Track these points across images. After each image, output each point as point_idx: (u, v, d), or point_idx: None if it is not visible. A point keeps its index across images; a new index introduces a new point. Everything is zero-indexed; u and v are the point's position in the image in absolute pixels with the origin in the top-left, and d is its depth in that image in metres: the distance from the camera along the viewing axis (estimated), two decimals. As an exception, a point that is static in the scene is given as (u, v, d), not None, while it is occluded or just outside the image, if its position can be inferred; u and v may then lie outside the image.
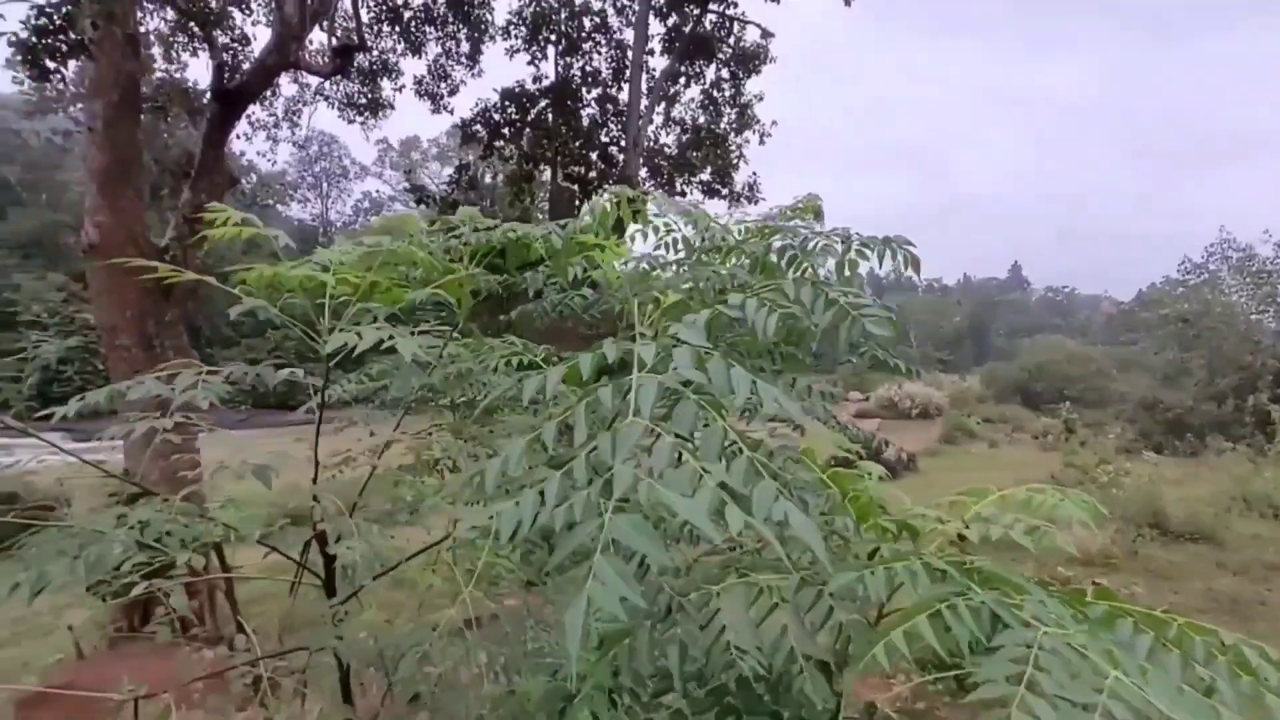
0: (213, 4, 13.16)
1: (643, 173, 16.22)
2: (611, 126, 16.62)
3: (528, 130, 15.87)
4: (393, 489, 1.81)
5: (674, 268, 1.91)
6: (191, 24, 13.11)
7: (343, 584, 1.44)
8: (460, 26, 14.37)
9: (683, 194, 16.23)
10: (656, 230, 1.95)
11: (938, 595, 0.92)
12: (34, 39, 7.64)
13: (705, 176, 15.89)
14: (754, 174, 16.48)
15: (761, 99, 17.80)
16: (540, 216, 19.28)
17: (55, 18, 7.64)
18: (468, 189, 15.96)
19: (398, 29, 13.92)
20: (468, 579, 1.37)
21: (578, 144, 15.18)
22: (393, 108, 15.62)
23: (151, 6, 13.96)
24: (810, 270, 1.78)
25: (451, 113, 15.47)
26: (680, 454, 0.68)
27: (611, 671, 0.99)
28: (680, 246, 2.19)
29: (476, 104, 15.61)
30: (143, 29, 13.11)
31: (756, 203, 16.05)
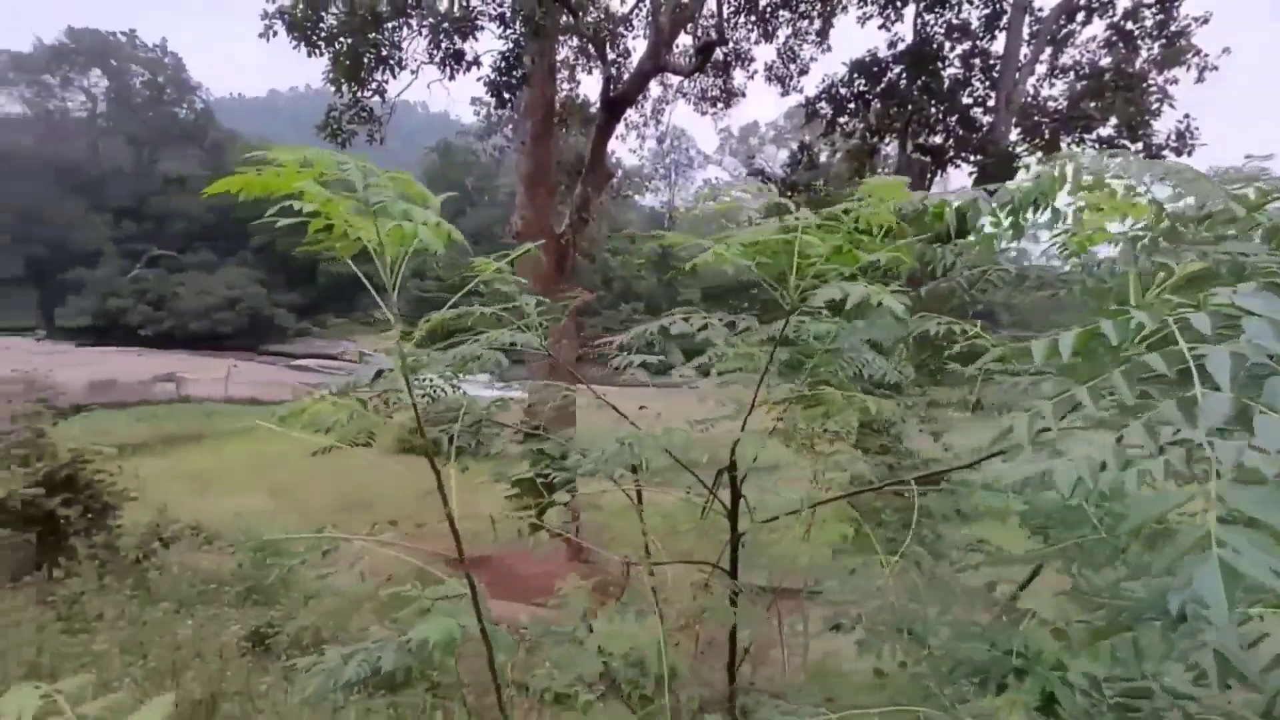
0: (604, 28, 15.61)
1: (1014, 134, 13.85)
2: (976, 85, 14.54)
3: (875, 101, 14.94)
4: (763, 450, 1.95)
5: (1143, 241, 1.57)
6: (590, 47, 15.80)
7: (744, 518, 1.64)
8: (814, 4, 14.20)
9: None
10: (1114, 194, 1.63)
11: None
12: (497, 77, 10.27)
13: (1107, 130, 12.72)
14: (1186, 118, 12.49)
15: (1207, 20, 13.38)
16: (878, 193, 18.07)
17: (510, 59, 10.13)
18: (808, 169, 15.88)
19: (753, 18, 14.45)
20: (858, 537, 1.41)
21: (934, 109, 13.70)
22: (743, 95, 16.43)
23: (561, 39, 17.17)
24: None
25: (801, 92, 15.53)
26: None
27: (1057, 669, 0.89)
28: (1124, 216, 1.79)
29: (823, 80, 15.33)
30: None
31: (1190, 154, 12.16)
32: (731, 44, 15.48)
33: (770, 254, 1.28)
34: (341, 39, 10.38)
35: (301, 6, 9.45)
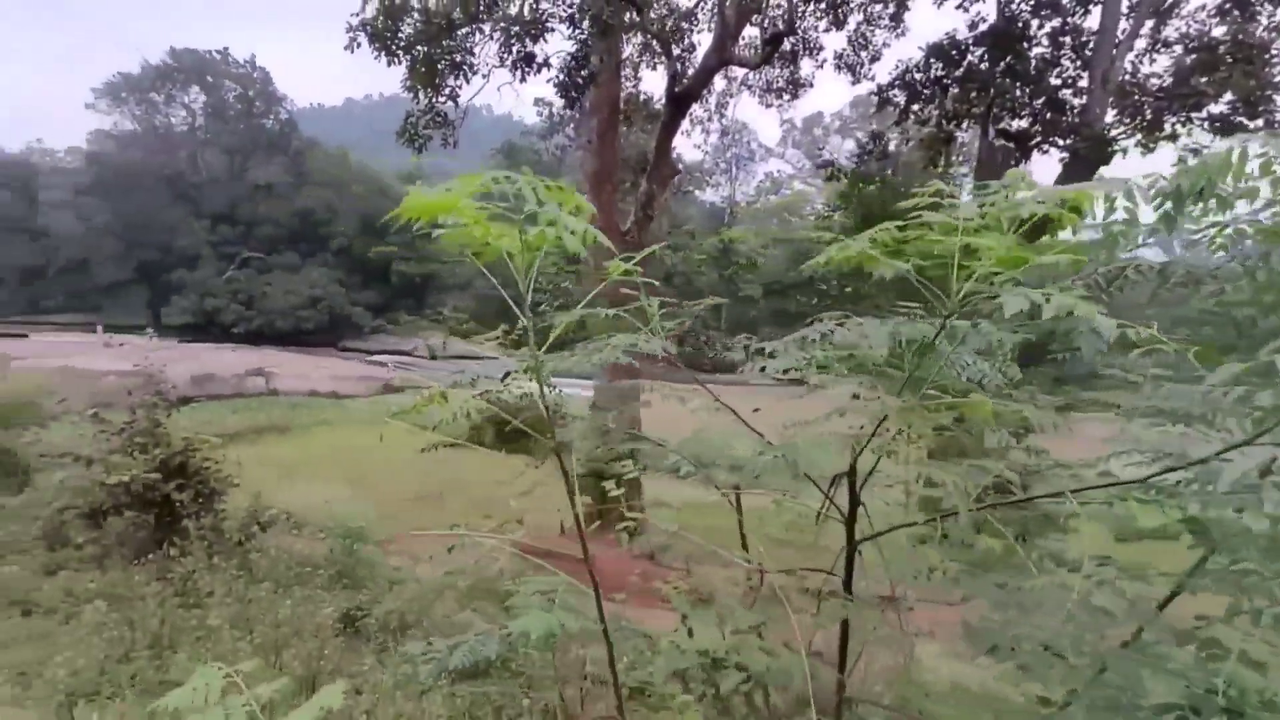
0: (670, 24, 15.53)
1: (1109, 115, 12.89)
2: (1066, 65, 13.62)
3: (953, 87, 14.23)
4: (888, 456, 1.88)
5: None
6: (655, 43, 15.77)
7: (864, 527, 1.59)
8: (888, -14, 13.68)
9: (1174, 136, 12.28)
10: None
11: None
12: (566, 77, 10.42)
13: (1219, 108, 11.62)
14: (1317, 93, 11.23)
15: (1341, -21, 12.00)
16: (955, 185, 17.26)
17: (578, 59, 10.25)
18: (879, 159, 15.30)
19: (823, 5, 14.04)
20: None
21: (1020, 92, 12.92)
22: (811, 86, 16.01)
23: (625, 36, 17.18)
24: None
25: (873, 79, 14.99)
26: None
27: None
28: None
29: (896, 67, 14.74)
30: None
31: (1321, 134, 10.93)
32: (800, 33, 15.10)
33: (929, 255, 1.22)
34: (418, 47, 10.78)
35: (382, 18, 9.90)
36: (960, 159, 23.33)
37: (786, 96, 17.10)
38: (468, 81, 11.02)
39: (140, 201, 56.66)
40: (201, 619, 5.24)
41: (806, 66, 16.04)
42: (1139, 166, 13.50)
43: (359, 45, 10.05)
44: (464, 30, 10.83)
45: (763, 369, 1.68)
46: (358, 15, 9.87)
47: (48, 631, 4.84)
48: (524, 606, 2.09)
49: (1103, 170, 11.84)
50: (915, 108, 14.91)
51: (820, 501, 2.30)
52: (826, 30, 14.70)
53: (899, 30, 14.50)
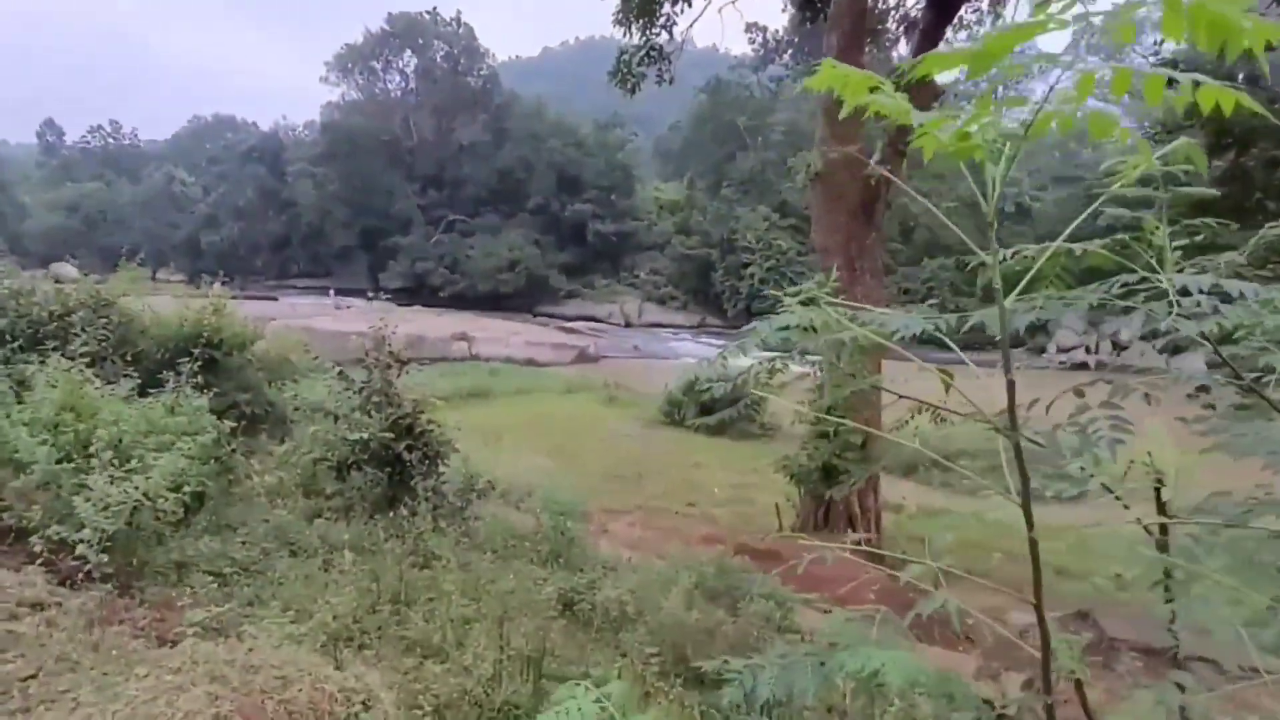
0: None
1: None
2: None
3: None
4: None
5: None
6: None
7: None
8: None
9: None
10: None
11: None
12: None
13: None
14: None
15: None
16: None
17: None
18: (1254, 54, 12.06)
19: None
20: None
21: None
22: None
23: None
24: None
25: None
26: None
27: None
28: None
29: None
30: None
31: None
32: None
33: None
34: (634, -28, 10.95)
35: (599, -56, 10.18)
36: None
37: (1101, -23, 14.40)
38: (689, 4, 10.95)
39: (362, 167, 67.30)
40: (432, 580, 5.97)
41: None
42: None
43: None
44: (685, -56, 10.74)
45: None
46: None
47: (310, 573, 5.86)
48: (842, 637, 1.90)
49: None
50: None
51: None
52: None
53: None
